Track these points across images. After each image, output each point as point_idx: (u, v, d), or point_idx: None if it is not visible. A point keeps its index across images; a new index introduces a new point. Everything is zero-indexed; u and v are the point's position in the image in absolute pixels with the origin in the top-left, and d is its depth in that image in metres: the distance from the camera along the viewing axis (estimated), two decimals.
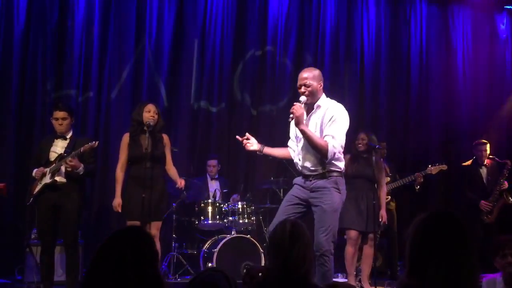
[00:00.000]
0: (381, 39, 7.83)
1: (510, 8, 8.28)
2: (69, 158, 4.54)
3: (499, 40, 8.30)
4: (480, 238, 6.34)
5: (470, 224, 6.45)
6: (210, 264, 5.60)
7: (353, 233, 5.33)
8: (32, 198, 4.73)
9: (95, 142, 4.59)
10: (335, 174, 3.88)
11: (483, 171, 6.51)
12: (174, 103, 7.00)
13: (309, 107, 3.95)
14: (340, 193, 3.89)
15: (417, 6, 8.06)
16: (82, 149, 4.57)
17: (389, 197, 6.03)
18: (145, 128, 4.78)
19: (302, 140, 3.92)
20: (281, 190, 6.34)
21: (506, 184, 6.35)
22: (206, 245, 5.88)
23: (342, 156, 3.96)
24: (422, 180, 6.10)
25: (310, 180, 3.88)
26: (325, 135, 3.82)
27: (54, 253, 4.83)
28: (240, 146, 7.05)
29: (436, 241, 1.75)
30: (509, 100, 8.05)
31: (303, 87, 3.92)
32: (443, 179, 7.33)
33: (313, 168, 3.89)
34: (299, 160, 3.98)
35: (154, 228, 4.76)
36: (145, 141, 4.76)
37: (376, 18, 7.84)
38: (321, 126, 3.88)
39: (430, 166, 6.07)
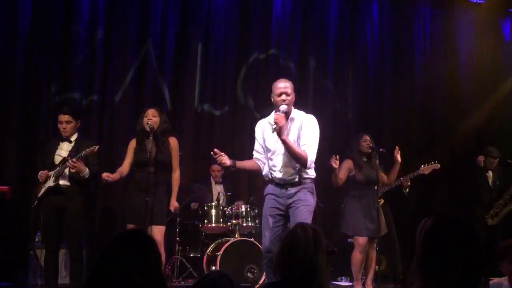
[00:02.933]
0: (385, 42, 7.82)
1: None
2: (73, 160, 4.55)
3: (503, 43, 8.28)
4: (484, 241, 6.35)
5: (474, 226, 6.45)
6: (213, 268, 5.59)
7: (363, 240, 5.31)
8: (36, 201, 4.74)
9: (96, 147, 4.59)
10: (308, 181, 4.02)
11: (490, 175, 6.54)
12: (178, 106, 7.00)
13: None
14: (313, 197, 4.04)
15: (421, 9, 8.05)
16: (83, 153, 4.58)
17: (382, 200, 5.96)
18: (148, 130, 4.78)
19: (278, 152, 3.99)
20: None
21: None
22: (210, 249, 5.87)
23: (313, 165, 4.06)
24: (409, 183, 5.98)
25: (287, 189, 3.98)
26: (303, 145, 3.94)
27: (58, 256, 4.83)
28: (244, 148, 7.16)
29: (444, 248, 1.71)
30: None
31: (284, 95, 3.97)
32: (445, 181, 7.32)
33: (290, 178, 3.98)
34: (276, 171, 4.02)
35: (158, 233, 4.71)
36: (149, 145, 4.76)
37: (379, 21, 7.83)
38: (298, 138, 3.98)
39: (422, 166, 5.98)
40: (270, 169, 4.07)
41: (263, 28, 7.35)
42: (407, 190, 5.92)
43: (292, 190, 3.96)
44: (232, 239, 5.76)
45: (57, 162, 4.73)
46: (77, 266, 4.72)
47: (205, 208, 6.06)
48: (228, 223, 5.99)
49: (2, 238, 5.79)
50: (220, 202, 6.16)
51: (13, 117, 6.27)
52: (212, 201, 6.26)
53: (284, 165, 3.98)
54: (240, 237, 5.83)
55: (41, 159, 4.94)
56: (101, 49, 6.65)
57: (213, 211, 6.00)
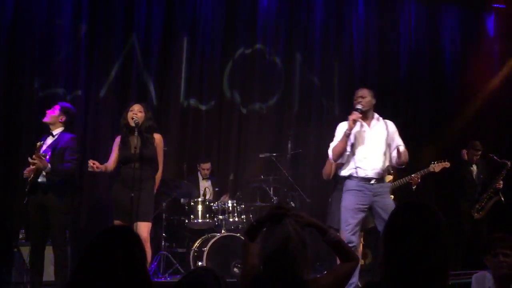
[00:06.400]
0: (370, 37, 7.84)
1: (497, 6, 8.33)
2: (33, 157, 4.51)
3: (487, 38, 8.35)
4: (469, 234, 6.43)
5: (459, 220, 6.52)
6: (200, 263, 5.58)
7: None
8: (26, 197, 4.69)
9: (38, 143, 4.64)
10: None
11: (474, 168, 6.63)
12: (164, 101, 6.96)
13: None
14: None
15: (406, 4, 8.09)
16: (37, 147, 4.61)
17: (392, 196, 5.97)
18: (132, 125, 4.73)
19: None
20: (271, 189, 6.33)
21: (501, 184, 6.48)
22: (196, 244, 5.86)
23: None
24: (419, 180, 6.04)
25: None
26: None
27: (43, 254, 4.78)
28: (230, 144, 7.15)
29: (405, 230, 1.83)
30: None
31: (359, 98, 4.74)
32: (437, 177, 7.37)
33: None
34: None
35: (144, 230, 4.66)
36: (134, 141, 4.72)
37: (365, 16, 7.85)
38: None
39: (432, 163, 6.05)
40: None
41: (249, 23, 7.32)
42: (415, 187, 5.99)
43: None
44: (218, 234, 5.75)
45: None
46: (61, 263, 4.68)
47: (192, 203, 6.04)
48: (215, 219, 5.98)
49: None
50: (207, 198, 6.15)
51: None
52: (199, 197, 6.24)
53: None
54: (227, 232, 5.82)
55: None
56: (85, 43, 6.57)
57: (200, 207, 5.99)
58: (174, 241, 6.30)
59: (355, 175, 4.55)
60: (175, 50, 7.00)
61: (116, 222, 4.65)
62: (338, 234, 3.02)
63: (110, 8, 6.72)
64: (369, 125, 4.68)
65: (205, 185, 6.57)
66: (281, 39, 7.45)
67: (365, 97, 4.68)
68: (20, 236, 5.53)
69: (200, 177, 6.70)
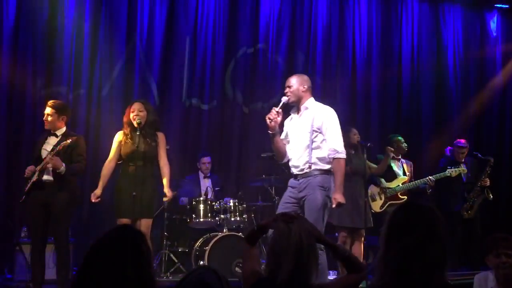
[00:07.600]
0: (373, 37, 7.84)
1: (500, 6, 8.32)
2: (49, 157, 4.52)
3: (490, 38, 8.34)
4: (461, 234, 6.38)
5: (449, 220, 6.49)
6: (201, 262, 5.59)
7: (344, 231, 5.36)
8: (24, 196, 4.70)
9: (67, 141, 4.60)
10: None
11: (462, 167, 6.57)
12: (166, 100, 6.97)
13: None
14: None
15: (409, 4, 8.08)
16: (58, 147, 4.58)
17: (406, 197, 5.98)
18: (136, 125, 4.75)
19: None
20: (273, 188, 6.33)
21: (487, 181, 6.41)
22: (198, 243, 5.87)
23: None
24: (433, 184, 6.06)
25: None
26: None
27: (44, 252, 4.79)
28: (232, 143, 7.15)
29: (405, 228, 1.87)
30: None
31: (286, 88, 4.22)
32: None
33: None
34: None
35: (144, 227, 4.69)
36: (136, 138, 4.73)
37: (367, 16, 7.85)
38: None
39: (449, 168, 6.06)
40: None
41: (252, 23, 7.33)
42: (430, 190, 6.00)
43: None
44: (220, 233, 5.75)
45: (43, 157, 4.70)
46: (63, 261, 4.68)
47: (193, 202, 6.04)
48: (216, 218, 5.98)
49: None
50: (208, 197, 6.15)
51: None
52: (200, 196, 6.24)
53: None
54: (228, 231, 5.83)
55: (32, 154, 4.90)
56: (87, 42, 6.58)
57: (201, 206, 5.98)
58: (176, 240, 6.30)
59: (291, 172, 4.21)
60: (177, 49, 7.00)
61: (120, 220, 4.64)
62: (347, 248, 3.01)
63: (112, 7, 6.73)
64: (299, 116, 4.20)
65: (206, 184, 6.56)
66: (283, 38, 7.44)
67: (291, 86, 4.12)
68: (22, 234, 5.54)
69: (201, 176, 6.69)
